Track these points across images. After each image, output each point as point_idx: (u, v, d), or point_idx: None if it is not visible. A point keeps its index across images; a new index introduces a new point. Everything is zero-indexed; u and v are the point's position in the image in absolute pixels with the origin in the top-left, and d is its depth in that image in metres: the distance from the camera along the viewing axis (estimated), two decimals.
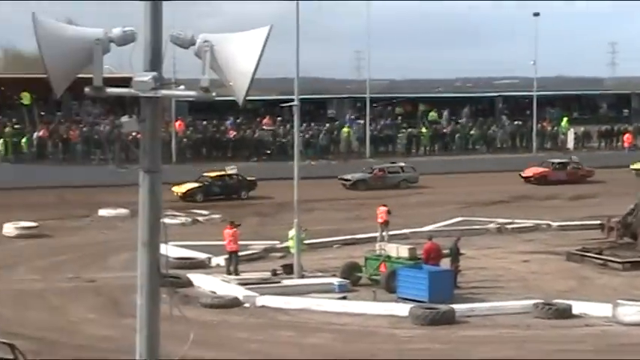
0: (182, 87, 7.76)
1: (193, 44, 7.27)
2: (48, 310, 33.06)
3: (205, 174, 57.00)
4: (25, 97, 66.36)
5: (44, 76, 7.12)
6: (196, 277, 36.51)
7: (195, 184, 55.82)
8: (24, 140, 61.38)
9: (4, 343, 24.75)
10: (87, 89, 7.29)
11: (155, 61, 7.31)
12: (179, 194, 54.48)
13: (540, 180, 64.13)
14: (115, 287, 34.61)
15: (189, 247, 40.61)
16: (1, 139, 60.90)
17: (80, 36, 7.27)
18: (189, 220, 49.60)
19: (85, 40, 7.23)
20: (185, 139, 66.06)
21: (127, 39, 7.30)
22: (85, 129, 64.14)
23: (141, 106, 7.37)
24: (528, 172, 64.91)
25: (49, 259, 40.61)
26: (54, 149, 62.70)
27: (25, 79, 64.57)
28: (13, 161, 60.20)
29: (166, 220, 7.66)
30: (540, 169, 65.35)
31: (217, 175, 56.92)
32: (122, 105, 54.76)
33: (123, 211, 48.90)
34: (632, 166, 68.23)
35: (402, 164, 63.58)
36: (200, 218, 50.57)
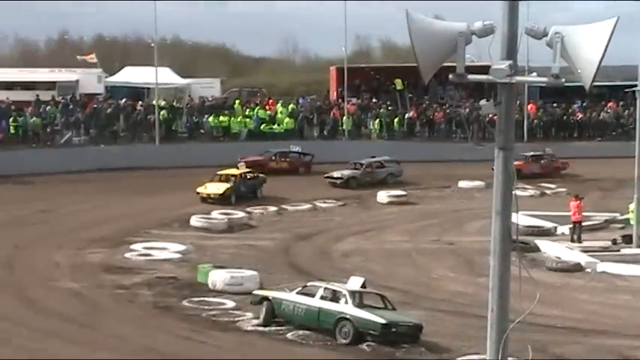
0: (534, 74, 7.73)
1: (545, 35, 7.19)
2: (413, 267, 33.65)
3: (219, 172, 44.68)
4: (398, 83, 67.63)
5: (414, 64, 7.24)
6: (543, 244, 36.02)
7: (228, 185, 43.89)
8: (396, 120, 62.56)
9: (376, 293, 25.52)
10: (451, 76, 7.38)
11: (511, 51, 7.30)
12: (211, 195, 43.07)
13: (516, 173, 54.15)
14: (471, 250, 34.73)
15: (538, 216, 40.08)
16: (378, 119, 62.46)
17: (446, 29, 7.35)
18: (538, 192, 49.02)
19: (450, 33, 7.31)
20: (536, 121, 65.10)
21: (486, 31, 7.32)
22: (448, 111, 64.56)
23: (497, 90, 7.38)
24: None
25: (415, 224, 41.28)
26: (421, 128, 63.48)
27: (398, 68, 65.96)
28: (386, 138, 61.60)
29: (517, 192, 7.61)
30: (515, 163, 54.58)
31: (240, 174, 44.99)
32: (481, 90, 54.58)
33: (479, 183, 48.99)
34: None
35: (386, 158, 53.09)
36: (547, 191, 49.86)
